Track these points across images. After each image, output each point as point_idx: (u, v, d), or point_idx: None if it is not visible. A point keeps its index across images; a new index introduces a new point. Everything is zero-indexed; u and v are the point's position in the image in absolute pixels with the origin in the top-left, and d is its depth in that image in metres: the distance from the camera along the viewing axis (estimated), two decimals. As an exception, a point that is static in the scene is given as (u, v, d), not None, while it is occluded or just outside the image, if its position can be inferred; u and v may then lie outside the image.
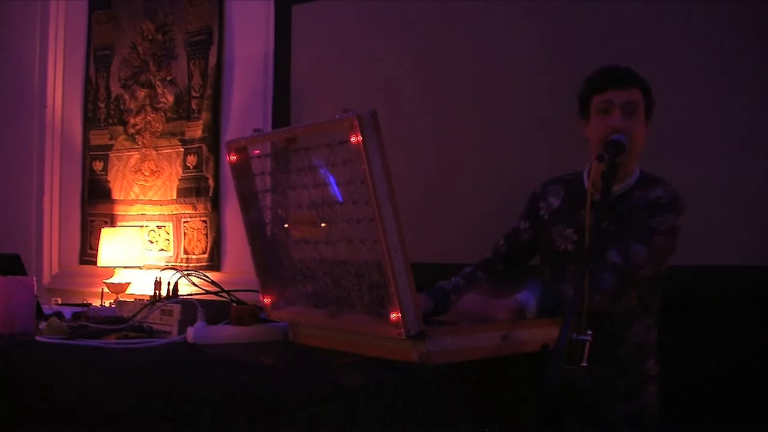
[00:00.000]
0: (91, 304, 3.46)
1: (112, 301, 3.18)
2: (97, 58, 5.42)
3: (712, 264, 3.21)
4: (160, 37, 5.10)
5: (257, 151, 2.09)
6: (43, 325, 2.28)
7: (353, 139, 1.70)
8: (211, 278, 2.44)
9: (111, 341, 2.12)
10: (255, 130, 2.07)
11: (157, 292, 2.44)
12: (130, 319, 2.35)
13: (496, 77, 3.78)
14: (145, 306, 2.34)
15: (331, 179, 1.88)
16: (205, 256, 4.86)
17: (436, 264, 2.82)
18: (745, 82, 3.25)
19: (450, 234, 3.76)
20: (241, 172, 2.15)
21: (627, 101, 2.40)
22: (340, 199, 1.87)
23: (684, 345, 3.07)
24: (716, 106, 3.29)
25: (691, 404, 3.05)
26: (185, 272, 2.43)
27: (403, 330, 1.74)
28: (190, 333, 2.14)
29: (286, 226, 2.07)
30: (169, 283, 2.43)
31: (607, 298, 2.22)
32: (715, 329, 3.17)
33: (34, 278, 2.48)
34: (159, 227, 5.08)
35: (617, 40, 3.44)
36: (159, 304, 2.31)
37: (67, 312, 2.81)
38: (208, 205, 4.85)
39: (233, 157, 2.14)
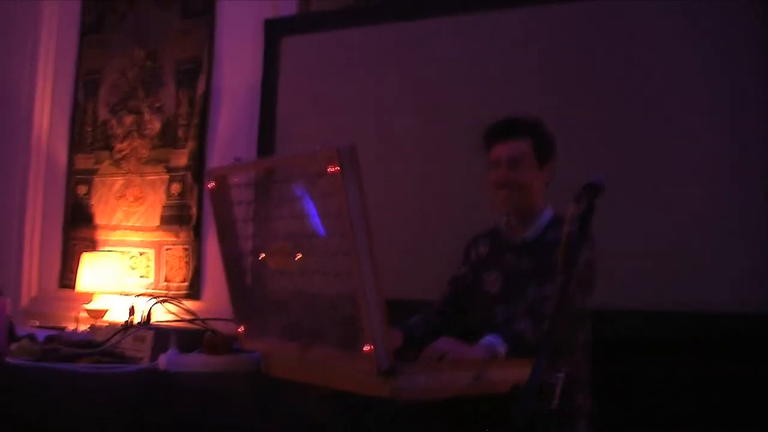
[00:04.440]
0: (65, 328, 3.43)
1: (88, 326, 3.16)
2: (86, 83, 5.41)
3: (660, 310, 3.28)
4: (149, 63, 5.11)
5: (237, 180, 2.09)
6: (14, 346, 2.27)
7: (331, 171, 1.71)
8: (187, 306, 2.43)
9: (81, 365, 2.11)
10: (235, 159, 2.07)
11: (131, 318, 2.43)
12: (103, 344, 2.33)
13: (487, 112, 3.78)
14: (118, 331, 2.33)
15: (309, 211, 1.88)
16: (186, 284, 4.83)
17: (412, 300, 2.81)
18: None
19: (432, 271, 3.75)
20: (220, 200, 2.15)
21: (510, 155, 2.53)
22: (316, 231, 1.87)
23: (628, 385, 3.14)
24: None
25: None
26: (160, 299, 2.41)
27: (374, 365, 1.74)
28: (162, 360, 2.12)
29: (262, 256, 2.07)
30: (143, 310, 2.42)
31: (554, 329, 2.23)
32: (660, 371, 3.23)
33: (8, 299, 2.46)
34: (140, 254, 5.05)
35: (621, 75, 3.50)
36: (132, 329, 2.30)
37: (41, 335, 2.79)
38: (191, 233, 4.83)
39: (212, 185, 2.13)
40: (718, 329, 3.20)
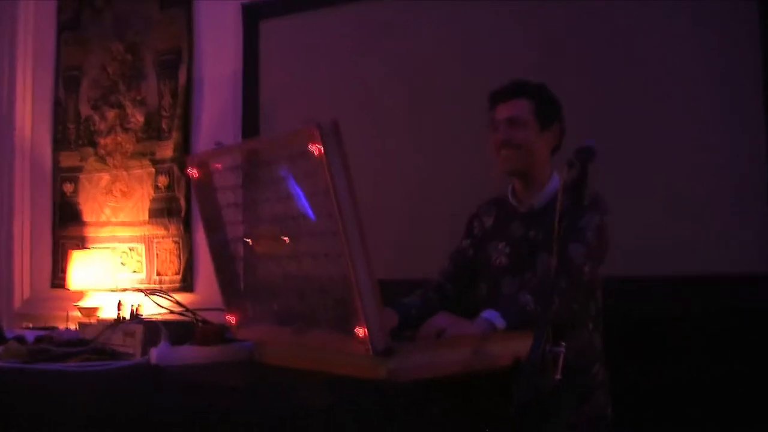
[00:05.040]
0: (57, 328, 3.38)
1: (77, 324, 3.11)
2: (66, 80, 5.34)
3: (668, 275, 3.28)
4: (129, 57, 5.04)
5: (219, 165, 2.04)
6: (1, 349, 2.21)
7: (314, 150, 1.65)
8: (177, 299, 2.38)
9: (71, 364, 2.06)
10: (216, 144, 2.02)
11: (120, 313, 2.38)
12: (92, 342, 2.28)
13: (471, 90, 3.74)
14: (107, 328, 2.28)
15: (295, 192, 1.82)
16: (178, 277, 4.79)
17: (402, 280, 2.77)
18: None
19: (422, 250, 3.73)
20: (203, 187, 2.09)
21: (510, 115, 2.51)
22: (303, 212, 1.82)
23: (638, 355, 3.12)
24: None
25: (646, 411, 3.10)
26: (148, 293, 2.36)
27: (369, 346, 1.69)
28: (154, 354, 2.08)
29: (249, 241, 2.02)
30: (132, 305, 2.37)
31: (564, 300, 2.23)
32: (669, 339, 3.22)
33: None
34: (131, 249, 5.00)
35: (610, 52, 3.47)
36: (121, 325, 2.25)
37: (31, 336, 2.74)
38: (180, 226, 4.79)
39: (195, 172, 2.08)
40: (724, 292, 3.20)
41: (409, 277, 2.92)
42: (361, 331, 1.70)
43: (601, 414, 2.48)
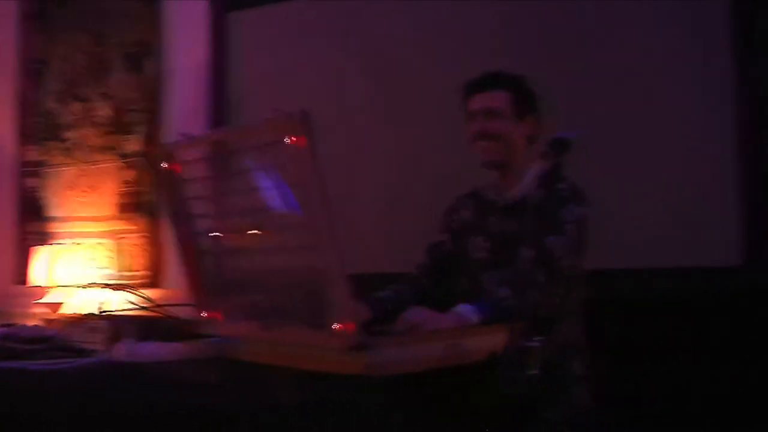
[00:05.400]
0: (20, 324, 3.31)
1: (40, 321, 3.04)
2: (30, 72, 5.24)
3: (649, 266, 3.32)
4: (95, 48, 4.96)
5: (187, 157, 1.98)
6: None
7: (284, 140, 1.61)
8: (145, 294, 2.33)
9: (31, 363, 2.00)
10: (183, 135, 1.96)
11: (87, 309, 2.32)
12: (57, 338, 2.22)
13: (446, 81, 3.72)
14: (73, 324, 2.22)
15: (264, 184, 1.78)
16: (147, 273, 4.73)
17: (378, 274, 2.73)
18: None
19: (398, 243, 3.70)
20: (171, 179, 2.03)
21: (485, 106, 2.51)
22: (273, 204, 1.77)
23: (617, 346, 3.11)
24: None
25: (628, 405, 3.08)
26: (115, 288, 2.31)
27: (344, 341, 1.65)
28: (120, 350, 2.02)
29: (217, 235, 1.97)
30: (99, 301, 2.32)
31: (543, 294, 2.21)
32: (651, 329, 3.25)
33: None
34: (98, 244, 4.92)
35: (581, 43, 3.45)
36: (86, 321, 2.19)
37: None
38: (149, 220, 4.72)
39: (162, 164, 2.02)
40: (699, 284, 3.22)
41: (385, 271, 2.89)
42: (335, 326, 1.66)
43: (582, 408, 2.46)
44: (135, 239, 4.79)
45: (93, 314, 2.27)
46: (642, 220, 3.30)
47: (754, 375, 3.12)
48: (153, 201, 4.71)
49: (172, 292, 4.43)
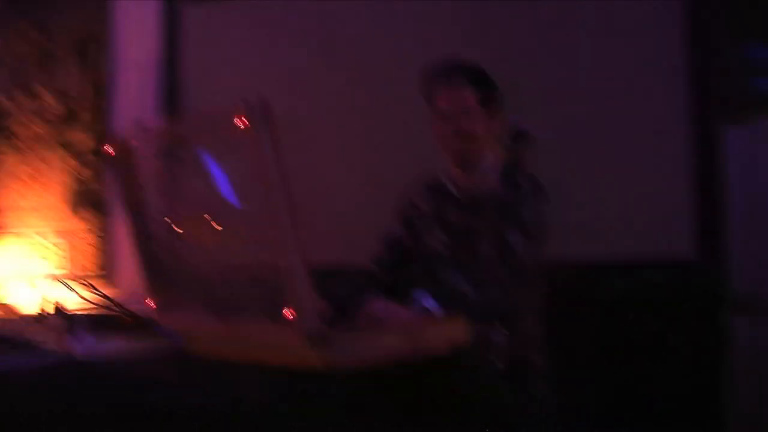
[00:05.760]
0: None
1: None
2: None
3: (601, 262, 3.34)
4: (44, 41, 4.87)
5: (140, 147, 1.94)
6: None
7: (243, 129, 1.58)
8: (101, 291, 2.29)
9: (-16, 361, 1.95)
10: (137, 124, 1.92)
11: (40, 306, 2.28)
12: (10, 337, 2.17)
13: (392, 72, 3.73)
14: (24, 321, 2.17)
15: (222, 175, 1.74)
16: (98, 269, 4.65)
17: (342, 268, 2.70)
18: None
19: (363, 236, 3.68)
20: (124, 170, 1.99)
21: (462, 105, 2.43)
22: (231, 195, 1.74)
23: (576, 342, 3.14)
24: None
25: (588, 401, 3.10)
26: (70, 284, 2.27)
27: (304, 335, 1.63)
28: (77, 348, 1.98)
29: (173, 226, 1.93)
30: (53, 298, 2.27)
31: (503, 291, 2.21)
32: (605, 326, 3.28)
33: None
34: (50, 242, 4.84)
35: (515, 32, 3.45)
36: (40, 318, 2.15)
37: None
38: (101, 217, 4.65)
39: (115, 155, 1.97)
40: (647, 279, 3.24)
41: (348, 264, 2.85)
42: (294, 320, 1.63)
43: (543, 405, 2.44)
44: (87, 236, 4.71)
45: (49, 312, 2.23)
46: (596, 215, 3.31)
47: (706, 366, 3.15)
48: (103, 195, 4.64)
49: (125, 289, 4.37)
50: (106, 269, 4.63)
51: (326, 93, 3.93)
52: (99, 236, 4.68)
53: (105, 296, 2.24)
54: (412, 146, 3.39)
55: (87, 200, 4.70)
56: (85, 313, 2.18)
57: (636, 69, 3.37)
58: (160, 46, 4.42)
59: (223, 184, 1.74)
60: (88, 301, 2.28)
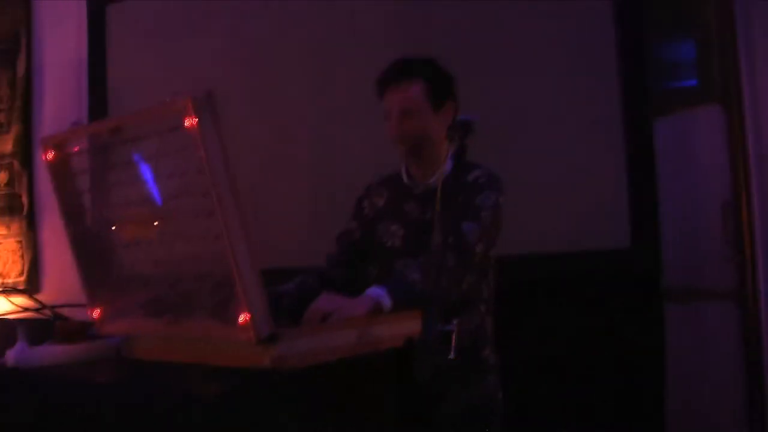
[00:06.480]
0: None
1: None
2: None
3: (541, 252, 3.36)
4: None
5: (77, 147, 1.87)
6: None
7: (187, 123, 1.53)
8: (31, 297, 2.21)
9: None
10: (74, 123, 1.86)
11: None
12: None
13: (331, 71, 3.69)
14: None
15: (164, 172, 1.70)
16: (22, 278, 4.52)
17: (295, 268, 2.65)
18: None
19: (281, 236, 3.64)
20: (60, 171, 1.92)
21: (400, 107, 2.39)
22: (174, 193, 1.69)
23: (524, 335, 3.14)
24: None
25: (535, 395, 3.13)
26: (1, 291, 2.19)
27: (252, 333, 1.59)
28: (10, 356, 1.90)
29: (113, 228, 1.87)
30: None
31: (454, 279, 2.20)
32: (550, 317, 3.31)
33: None
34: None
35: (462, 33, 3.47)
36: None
37: None
38: (23, 224, 4.52)
39: (50, 155, 1.90)
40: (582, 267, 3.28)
41: (302, 264, 2.81)
42: (242, 318, 1.59)
43: (492, 398, 2.46)
44: (8, 244, 4.57)
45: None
46: (536, 207, 3.33)
47: (640, 353, 3.20)
48: (27, 203, 4.51)
49: (49, 297, 4.24)
50: (29, 278, 4.50)
51: (260, 90, 3.87)
52: (21, 244, 4.54)
53: (39, 301, 2.17)
54: (366, 143, 3.40)
55: (9, 208, 4.56)
56: (14, 318, 2.11)
57: (571, 67, 3.40)
58: (84, 47, 4.30)
59: (166, 181, 1.69)
60: (20, 306, 2.20)
